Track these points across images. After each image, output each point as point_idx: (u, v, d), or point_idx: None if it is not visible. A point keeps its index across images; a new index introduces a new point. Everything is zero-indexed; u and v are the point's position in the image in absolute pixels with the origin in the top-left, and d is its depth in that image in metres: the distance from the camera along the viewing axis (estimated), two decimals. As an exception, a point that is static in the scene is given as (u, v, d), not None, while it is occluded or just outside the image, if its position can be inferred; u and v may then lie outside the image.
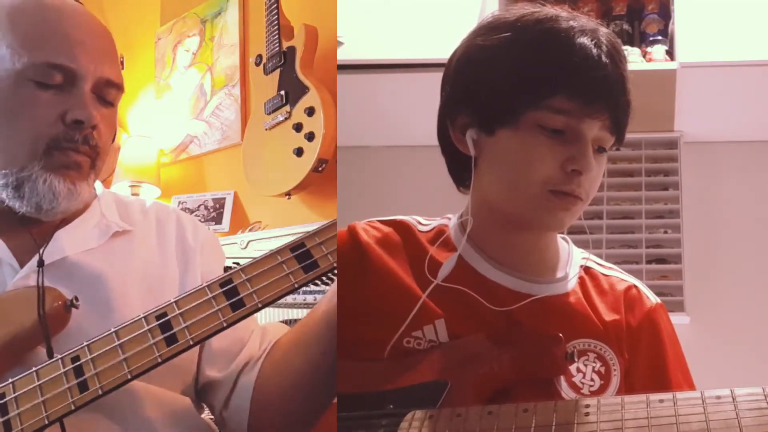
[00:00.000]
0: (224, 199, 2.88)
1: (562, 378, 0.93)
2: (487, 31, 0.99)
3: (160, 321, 0.89)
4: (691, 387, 0.99)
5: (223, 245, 1.26)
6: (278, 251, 0.90)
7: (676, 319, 2.33)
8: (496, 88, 0.95)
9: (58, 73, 1.00)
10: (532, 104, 0.93)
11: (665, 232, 2.50)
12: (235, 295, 0.89)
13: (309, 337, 1.01)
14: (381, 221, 1.06)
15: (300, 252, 0.90)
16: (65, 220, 1.07)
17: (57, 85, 1.00)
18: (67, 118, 1.00)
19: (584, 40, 0.93)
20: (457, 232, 1.03)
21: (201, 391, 1.10)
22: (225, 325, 0.88)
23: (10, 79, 1.00)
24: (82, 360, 0.89)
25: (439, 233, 1.04)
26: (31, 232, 1.04)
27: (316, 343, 0.99)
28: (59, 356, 0.90)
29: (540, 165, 0.93)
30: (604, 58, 0.93)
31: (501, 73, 0.95)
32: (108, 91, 1.05)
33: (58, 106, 1.00)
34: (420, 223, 1.06)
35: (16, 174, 1.01)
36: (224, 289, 0.89)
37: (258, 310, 0.89)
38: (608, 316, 0.98)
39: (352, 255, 1.01)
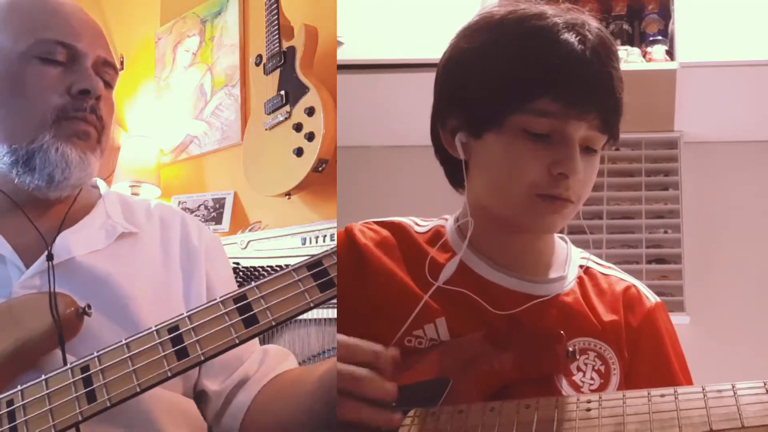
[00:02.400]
0: (224, 199, 2.88)
1: (563, 377, 0.92)
2: (471, 32, 0.98)
3: (172, 334, 0.88)
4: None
5: (223, 245, 1.26)
6: (295, 268, 0.89)
7: (676, 319, 2.33)
8: (480, 92, 0.94)
9: (62, 50, 1.04)
10: (515, 108, 0.91)
11: (665, 232, 2.51)
12: (249, 311, 0.88)
13: (304, 390, 1.01)
14: (377, 222, 1.06)
15: (317, 270, 0.89)
16: (69, 220, 1.08)
17: (61, 62, 1.04)
18: (73, 89, 1.03)
19: (568, 37, 0.91)
20: (455, 234, 1.03)
21: (195, 398, 1.10)
22: (237, 341, 0.87)
23: (17, 59, 1.03)
24: (92, 370, 0.88)
25: (436, 234, 1.04)
26: (36, 230, 1.04)
27: (309, 399, 0.99)
28: (69, 365, 0.89)
29: (526, 170, 0.92)
30: (588, 55, 0.91)
31: (484, 77, 0.94)
32: (106, 71, 1.09)
33: (63, 80, 1.04)
34: (417, 224, 1.06)
35: (26, 147, 1.02)
36: (238, 305, 0.88)
37: (272, 327, 0.88)
38: (607, 317, 0.98)
39: (350, 256, 1.00)
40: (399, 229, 1.05)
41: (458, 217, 1.04)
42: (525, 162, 0.92)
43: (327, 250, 0.90)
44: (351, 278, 0.99)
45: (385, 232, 1.04)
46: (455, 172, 1.01)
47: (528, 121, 0.91)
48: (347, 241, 1.03)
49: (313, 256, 0.90)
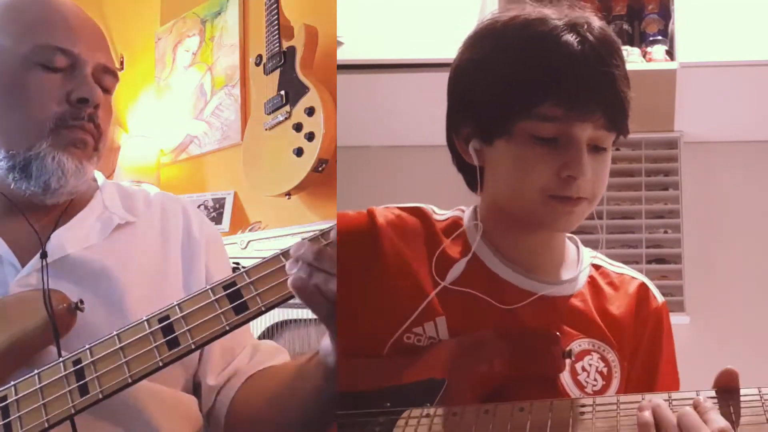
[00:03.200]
0: (224, 199, 2.88)
1: (568, 375, 0.93)
2: (475, 41, 0.99)
3: (163, 324, 0.88)
4: (677, 388, 1.00)
5: (222, 238, 1.26)
6: (284, 253, 0.89)
7: (676, 319, 2.33)
8: (486, 100, 0.96)
9: (62, 57, 1.03)
10: (521, 114, 0.93)
11: (665, 232, 2.50)
12: (238, 298, 0.88)
13: (276, 384, 1.02)
14: (400, 207, 1.06)
15: None
16: (66, 215, 1.08)
17: (61, 68, 1.03)
18: (72, 97, 1.03)
19: (567, 39, 0.92)
20: (472, 230, 1.04)
21: (193, 392, 1.10)
22: (228, 328, 0.87)
23: (16, 64, 1.03)
24: (84, 363, 0.88)
25: (453, 224, 1.05)
26: (32, 228, 1.04)
27: (280, 393, 1.00)
28: (61, 359, 0.90)
29: (535, 173, 0.93)
30: (588, 55, 0.92)
31: (489, 85, 0.96)
32: (105, 77, 1.08)
33: (63, 87, 1.03)
34: (435, 212, 1.07)
35: (23, 153, 1.02)
36: (228, 291, 0.88)
37: (262, 313, 0.88)
38: (618, 312, 1.00)
39: (365, 239, 1.00)
40: (421, 213, 1.05)
41: (476, 210, 1.05)
42: (534, 167, 0.93)
43: (315, 234, 0.88)
44: (364, 261, 0.99)
45: (407, 217, 1.04)
46: (472, 178, 1.02)
47: (534, 126, 0.93)
48: (368, 222, 1.02)
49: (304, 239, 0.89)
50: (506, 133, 0.94)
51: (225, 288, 0.88)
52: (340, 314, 0.91)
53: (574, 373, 0.94)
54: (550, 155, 0.93)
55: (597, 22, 0.95)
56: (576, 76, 0.92)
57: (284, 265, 0.88)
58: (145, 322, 0.89)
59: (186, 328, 0.88)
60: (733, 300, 2.41)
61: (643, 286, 1.04)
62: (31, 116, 1.02)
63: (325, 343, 0.92)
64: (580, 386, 0.94)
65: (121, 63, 3.29)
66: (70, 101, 1.03)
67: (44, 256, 1.01)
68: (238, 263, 2.17)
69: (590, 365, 0.95)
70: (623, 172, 2.58)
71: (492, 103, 0.95)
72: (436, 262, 0.99)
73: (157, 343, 0.88)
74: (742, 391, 0.79)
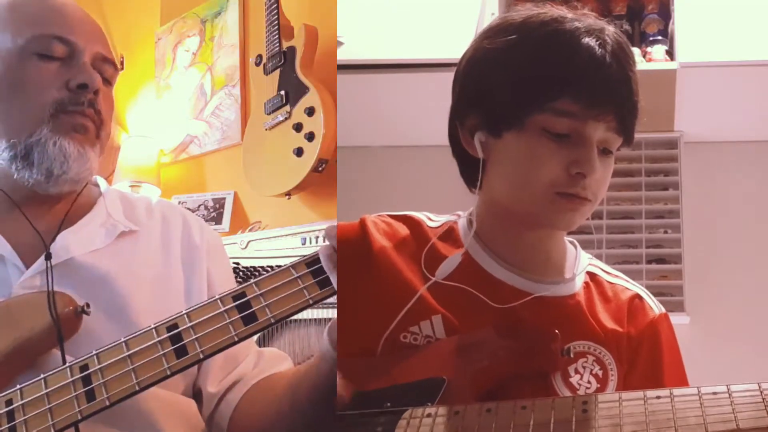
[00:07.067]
0: (224, 199, 2.87)
1: (560, 377, 0.93)
2: (493, 33, 0.99)
3: (171, 332, 0.88)
4: None
5: (223, 243, 1.26)
6: (294, 265, 0.89)
7: (676, 319, 2.32)
8: (501, 92, 0.96)
9: (60, 45, 1.04)
10: (536, 107, 0.93)
11: (665, 232, 2.50)
12: (247, 308, 0.88)
13: (276, 393, 1.02)
14: (391, 216, 1.06)
15: (316, 267, 0.89)
16: (69, 219, 1.08)
17: (59, 57, 1.04)
18: (71, 83, 1.04)
19: (589, 41, 0.93)
20: (466, 228, 1.04)
21: (193, 398, 1.10)
22: (236, 339, 0.87)
23: (15, 54, 1.04)
24: (91, 369, 0.88)
25: (448, 230, 1.05)
26: (35, 230, 1.04)
27: (278, 402, 1.01)
28: (68, 364, 0.90)
29: (545, 168, 0.93)
30: (608, 59, 0.93)
31: (506, 76, 0.96)
32: (105, 68, 1.09)
33: (61, 75, 1.04)
34: (430, 219, 1.07)
35: (24, 141, 1.02)
36: (237, 302, 0.88)
37: (271, 325, 0.88)
38: (610, 324, 0.99)
39: (358, 247, 1.01)
40: (412, 222, 1.06)
41: (471, 214, 1.05)
42: (544, 161, 0.93)
43: None
44: (356, 268, 0.98)
45: (397, 225, 1.04)
46: (471, 171, 1.02)
47: (548, 120, 0.93)
48: (359, 230, 1.03)
49: (313, 253, 0.89)
50: (518, 126, 0.94)
51: (234, 299, 0.88)
52: (339, 317, 0.91)
53: (566, 376, 0.94)
54: (560, 151, 0.93)
55: (612, 28, 0.97)
56: (595, 76, 0.93)
57: (294, 278, 0.88)
58: (154, 330, 0.89)
59: (194, 337, 0.88)
60: (733, 300, 2.41)
61: (636, 298, 1.03)
62: (30, 103, 1.02)
63: (323, 344, 0.91)
64: (573, 389, 0.93)
65: (121, 63, 3.28)
66: (70, 88, 1.03)
67: (49, 257, 1.01)
68: (237, 263, 2.17)
69: (584, 368, 0.95)
70: (623, 172, 2.58)
71: (507, 94, 0.95)
72: (428, 262, 0.99)
73: (165, 351, 0.87)
74: (743, 387, 0.79)
